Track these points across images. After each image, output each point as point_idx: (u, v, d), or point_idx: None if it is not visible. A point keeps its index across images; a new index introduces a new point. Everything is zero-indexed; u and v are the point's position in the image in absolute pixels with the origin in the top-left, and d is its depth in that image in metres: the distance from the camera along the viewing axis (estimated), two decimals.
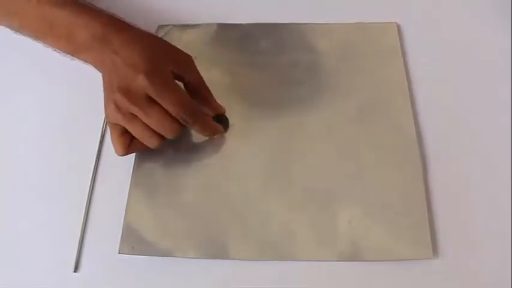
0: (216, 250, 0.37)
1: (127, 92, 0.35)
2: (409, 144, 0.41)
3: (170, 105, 0.36)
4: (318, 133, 0.42)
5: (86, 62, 0.38)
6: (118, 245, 0.38)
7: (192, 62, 0.40)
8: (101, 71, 0.38)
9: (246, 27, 0.48)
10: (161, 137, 0.38)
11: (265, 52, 0.46)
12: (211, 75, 0.45)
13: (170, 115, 0.36)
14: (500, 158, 0.41)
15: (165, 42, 0.40)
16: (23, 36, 0.40)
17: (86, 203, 0.40)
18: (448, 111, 0.43)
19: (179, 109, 0.36)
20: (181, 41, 0.47)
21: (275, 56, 0.46)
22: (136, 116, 0.36)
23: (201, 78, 0.40)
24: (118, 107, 0.36)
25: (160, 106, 0.36)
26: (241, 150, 0.41)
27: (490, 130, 0.42)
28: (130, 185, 0.40)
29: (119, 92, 0.35)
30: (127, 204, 0.39)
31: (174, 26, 0.48)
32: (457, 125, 0.42)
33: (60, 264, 0.38)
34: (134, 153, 0.41)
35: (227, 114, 0.42)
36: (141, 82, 0.35)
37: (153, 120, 0.36)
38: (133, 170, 0.41)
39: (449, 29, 0.47)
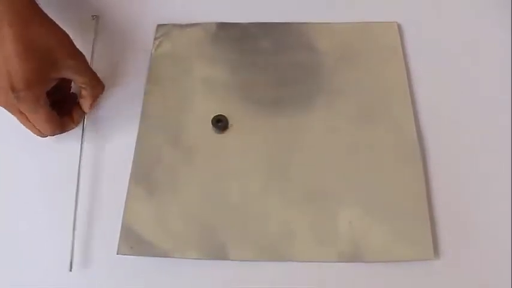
0: (216, 251, 0.37)
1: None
2: (410, 144, 0.41)
3: (35, 124, 0.39)
4: (317, 133, 0.42)
5: None
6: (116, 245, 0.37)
7: (84, 64, 0.40)
8: None
9: (246, 26, 0.48)
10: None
11: (265, 51, 0.46)
12: (211, 74, 0.45)
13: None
14: (500, 158, 0.40)
15: (64, 41, 0.38)
16: None
17: (85, 202, 0.40)
18: (448, 111, 0.43)
19: (41, 131, 0.39)
20: (180, 41, 0.47)
21: (275, 56, 0.46)
22: None
23: (84, 80, 0.40)
24: None
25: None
26: (240, 150, 0.41)
27: (491, 130, 0.42)
28: (129, 185, 0.40)
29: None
30: (126, 204, 0.39)
31: (174, 25, 0.48)
32: (458, 124, 0.42)
33: (58, 264, 0.38)
34: (133, 152, 0.41)
35: (226, 114, 0.42)
36: (11, 99, 0.36)
37: (22, 122, 0.39)
38: (132, 169, 0.41)
39: (450, 29, 0.47)
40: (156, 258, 0.37)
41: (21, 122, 0.39)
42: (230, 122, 0.42)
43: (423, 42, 0.46)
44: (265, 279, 0.37)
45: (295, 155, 0.41)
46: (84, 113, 0.42)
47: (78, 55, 0.39)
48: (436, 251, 0.37)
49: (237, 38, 0.47)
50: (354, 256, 0.37)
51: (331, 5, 0.48)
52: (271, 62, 0.45)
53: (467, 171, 0.40)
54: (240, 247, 0.37)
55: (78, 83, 0.40)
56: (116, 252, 0.37)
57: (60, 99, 0.41)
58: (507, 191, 0.39)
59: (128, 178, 0.40)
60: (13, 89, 0.35)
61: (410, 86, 0.44)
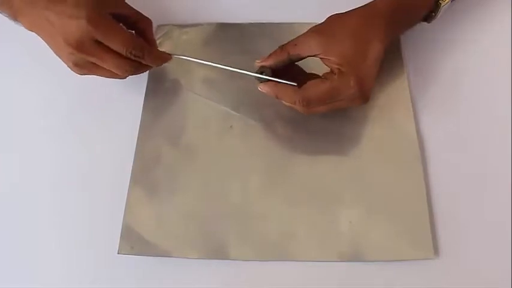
0: (216, 250, 0.37)
1: (76, 44, 0.36)
2: (410, 144, 0.41)
3: (118, 45, 0.37)
4: (318, 133, 0.42)
5: (25, 27, 0.38)
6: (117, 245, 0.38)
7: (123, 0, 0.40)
8: (38, 34, 0.38)
9: (246, 26, 0.48)
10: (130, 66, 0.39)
11: (265, 52, 0.46)
12: (211, 74, 0.45)
13: (122, 55, 0.37)
14: (500, 157, 0.40)
15: None
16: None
17: (86, 202, 0.40)
18: (448, 111, 0.43)
19: (127, 47, 0.37)
20: (180, 41, 0.47)
21: None
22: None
23: (136, 11, 0.40)
24: (76, 63, 0.37)
25: (111, 49, 0.37)
26: (241, 150, 0.41)
27: (491, 129, 0.42)
28: (129, 185, 0.40)
29: (69, 47, 0.36)
30: (126, 204, 0.39)
31: (174, 25, 0.48)
32: (458, 124, 0.42)
33: (60, 264, 0.38)
34: (134, 153, 0.41)
35: (226, 114, 0.42)
36: (85, 28, 0.35)
37: (110, 64, 0.37)
38: (132, 170, 0.41)
39: (450, 27, 0.47)
40: (157, 257, 0.37)
41: (99, 63, 0.38)
42: (230, 124, 0.42)
43: (423, 40, 0.46)
44: (266, 279, 0.37)
45: (296, 155, 0.41)
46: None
47: None
48: (435, 250, 0.37)
49: (237, 38, 0.47)
50: (354, 256, 0.37)
51: (332, 5, 0.48)
52: None
53: (467, 172, 0.40)
54: (241, 247, 0.37)
55: (132, 16, 0.40)
56: (116, 252, 0.37)
57: None
58: (507, 191, 0.39)
59: (129, 178, 0.40)
60: (85, 17, 0.35)
61: (409, 85, 0.44)
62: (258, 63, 0.40)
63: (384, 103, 0.43)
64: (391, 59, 0.45)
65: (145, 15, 0.41)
